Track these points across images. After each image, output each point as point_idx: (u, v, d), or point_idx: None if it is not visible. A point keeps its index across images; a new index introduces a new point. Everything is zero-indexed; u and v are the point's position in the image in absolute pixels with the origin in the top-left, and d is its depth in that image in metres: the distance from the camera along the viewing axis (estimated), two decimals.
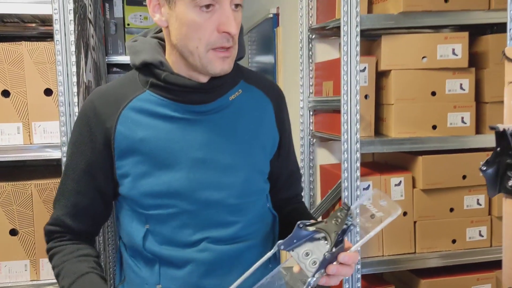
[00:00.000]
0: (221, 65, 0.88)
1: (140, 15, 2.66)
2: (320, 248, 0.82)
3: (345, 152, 1.74)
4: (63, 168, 1.12)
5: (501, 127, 0.86)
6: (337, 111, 1.76)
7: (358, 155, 1.74)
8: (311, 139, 2.29)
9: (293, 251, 0.84)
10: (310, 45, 2.23)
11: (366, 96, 1.82)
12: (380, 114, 1.89)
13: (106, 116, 0.92)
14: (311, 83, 2.24)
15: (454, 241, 1.85)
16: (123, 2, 2.63)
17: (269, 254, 0.87)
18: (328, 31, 2.12)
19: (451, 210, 1.84)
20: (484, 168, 0.90)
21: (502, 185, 0.90)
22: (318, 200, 2.22)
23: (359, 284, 1.78)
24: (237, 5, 0.86)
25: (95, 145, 0.93)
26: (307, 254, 0.83)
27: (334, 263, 0.81)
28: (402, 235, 1.83)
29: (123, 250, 1.03)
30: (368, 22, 1.72)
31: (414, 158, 1.84)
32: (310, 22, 2.23)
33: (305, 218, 0.88)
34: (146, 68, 0.93)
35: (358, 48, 1.70)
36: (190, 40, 0.85)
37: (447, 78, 1.77)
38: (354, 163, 1.74)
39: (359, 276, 1.77)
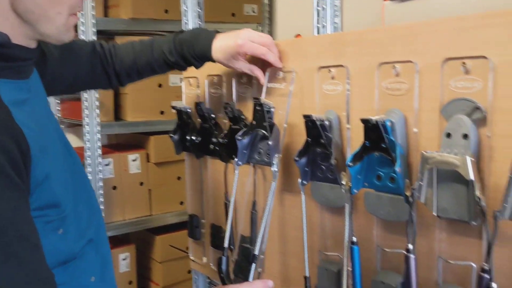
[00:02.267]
0: (73, 32, 0.82)
1: None
2: (265, 141, 0.92)
3: (87, 134, 2.04)
4: None
5: (178, 107, 1.32)
6: (80, 99, 2.04)
7: (99, 136, 2.05)
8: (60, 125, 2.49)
9: (251, 158, 0.94)
10: None
11: None
12: (119, 102, 2.24)
13: (3, 129, 0.70)
14: None
15: (181, 203, 2.35)
16: None
17: (234, 184, 0.96)
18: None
19: (179, 178, 2.32)
20: (172, 136, 1.35)
21: (184, 146, 1.35)
22: None
23: None
24: None
25: (19, 171, 0.70)
26: (259, 153, 0.94)
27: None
28: (140, 201, 2.23)
29: None
30: (103, 24, 2.04)
31: (148, 138, 2.25)
32: None
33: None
34: None
35: None
36: (52, 5, 0.76)
37: (170, 73, 2.23)
38: (96, 143, 2.04)
39: None
